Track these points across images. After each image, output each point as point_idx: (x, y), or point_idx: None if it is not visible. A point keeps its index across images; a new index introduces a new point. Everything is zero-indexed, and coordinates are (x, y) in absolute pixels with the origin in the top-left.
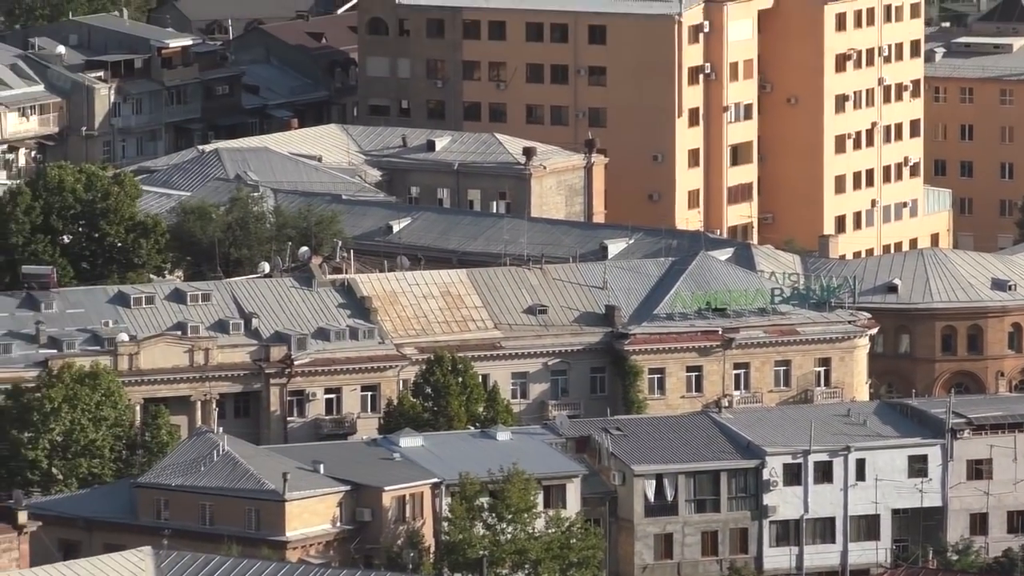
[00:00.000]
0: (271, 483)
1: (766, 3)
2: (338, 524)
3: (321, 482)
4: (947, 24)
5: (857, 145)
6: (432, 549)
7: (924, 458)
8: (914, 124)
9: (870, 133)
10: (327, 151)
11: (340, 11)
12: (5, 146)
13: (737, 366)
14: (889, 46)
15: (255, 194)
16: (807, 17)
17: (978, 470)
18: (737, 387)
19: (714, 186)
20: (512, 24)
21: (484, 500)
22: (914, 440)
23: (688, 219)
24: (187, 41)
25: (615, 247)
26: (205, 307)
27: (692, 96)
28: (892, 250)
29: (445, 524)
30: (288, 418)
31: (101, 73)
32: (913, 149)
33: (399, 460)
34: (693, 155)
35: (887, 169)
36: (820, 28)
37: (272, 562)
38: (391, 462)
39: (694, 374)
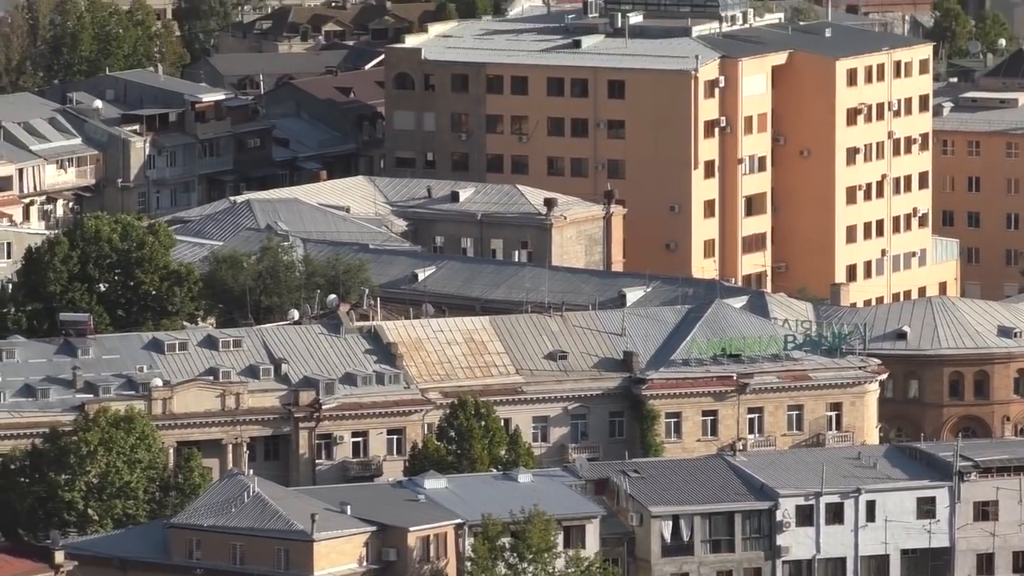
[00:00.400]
0: (300, 524)
1: (779, 59)
2: (364, 564)
3: (348, 523)
4: (955, 79)
5: (868, 196)
6: None
7: (932, 500)
8: (923, 176)
9: (880, 185)
10: (355, 202)
11: (368, 67)
12: (44, 197)
13: (751, 410)
14: (898, 100)
15: (285, 244)
16: (819, 72)
17: (984, 512)
18: (751, 431)
19: (729, 236)
20: (534, 79)
21: (506, 540)
22: (922, 483)
23: (704, 268)
24: (220, 96)
25: (633, 295)
26: (236, 353)
27: (708, 148)
28: (901, 298)
29: (468, 564)
30: (316, 461)
31: (137, 127)
32: (922, 200)
33: (424, 502)
34: (709, 206)
35: (896, 220)
36: (832, 83)
37: None
38: (416, 503)
39: (709, 418)
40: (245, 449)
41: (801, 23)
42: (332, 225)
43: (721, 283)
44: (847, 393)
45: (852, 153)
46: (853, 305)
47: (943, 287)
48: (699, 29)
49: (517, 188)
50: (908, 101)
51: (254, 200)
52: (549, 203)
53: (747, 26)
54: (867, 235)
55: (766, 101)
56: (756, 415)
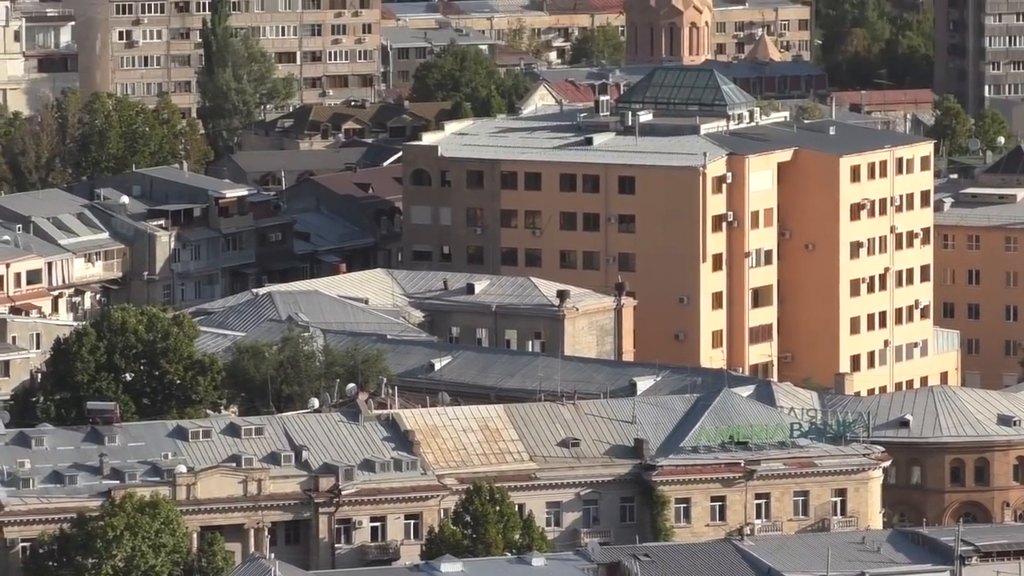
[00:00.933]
0: None
1: (785, 156)
2: None
3: None
4: (955, 176)
5: (871, 289)
6: None
7: None
8: (924, 269)
9: (883, 277)
10: (373, 294)
11: (386, 163)
12: (72, 290)
13: (759, 496)
14: (901, 196)
15: (305, 334)
16: (823, 169)
17: None
18: (759, 516)
19: (736, 327)
20: (547, 175)
21: None
22: (925, 567)
23: (712, 358)
24: (243, 191)
25: (643, 384)
26: (258, 440)
27: (716, 242)
28: (904, 387)
29: None
30: (336, 545)
31: (162, 221)
32: (923, 293)
33: None
34: (717, 298)
35: (899, 311)
36: (836, 179)
37: None
38: None
39: (718, 504)
40: (267, 534)
41: (806, 121)
42: (351, 316)
43: (729, 373)
44: (851, 479)
45: (856, 247)
46: (857, 394)
47: (944, 377)
48: (707, 127)
49: (531, 280)
50: (910, 196)
51: (276, 292)
52: (562, 295)
53: (753, 124)
54: (870, 326)
55: (772, 196)
56: (763, 501)
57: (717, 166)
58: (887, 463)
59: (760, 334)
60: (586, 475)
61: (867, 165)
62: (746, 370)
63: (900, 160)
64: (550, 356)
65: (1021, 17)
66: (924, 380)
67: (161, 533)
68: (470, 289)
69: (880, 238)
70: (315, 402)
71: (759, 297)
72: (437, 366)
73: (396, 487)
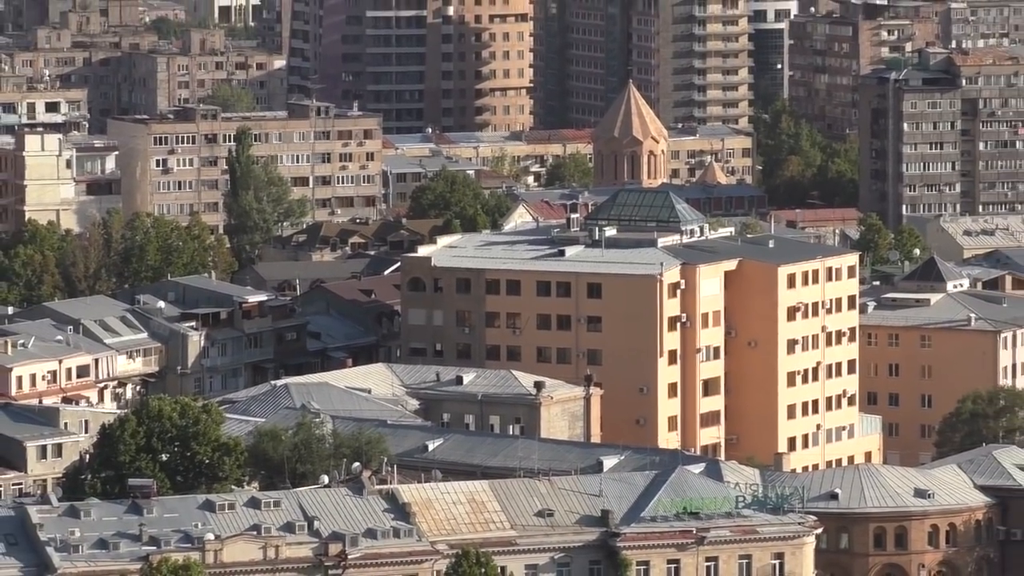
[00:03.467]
0: None
1: (731, 266)
2: None
3: None
4: (877, 283)
5: (805, 380)
6: None
7: None
8: (851, 363)
9: (815, 370)
10: (375, 385)
11: (387, 272)
12: (115, 382)
13: (708, 559)
14: (830, 300)
15: (317, 420)
16: (764, 277)
17: None
18: None
19: (689, 413)
20: (525, 282)
21: None
22: None
23: (668, 440)
24: (263, 297)
25: (609, 462)
26: (276, 512)
27: (671, 340)
28: (834, 465)
29: None
30: None
31: (193, 323)
32: (850, 383)
33: None
34: (672, 387)
35: (829, 399)
36: (775, 286)
37: None
38: None
39: (673, 566)
40: None
41: (749, 236)
42: (356, 404)
43: (683, 453)
44: (789, 545)
45: (792, 344)
46: (793, 471)
47: (868, 456)
48: (663, 241)
49: (512, 373)
50: (838, 300)
51: (291, 384)
52: (538, 386)
53: (704, 238)
54: (804, 412)
55: (720, 300)
56: (712, 563)
57: (672, 274)
58: (819, 530)
59: (710, 419)
60: (559, 541)
61: (801, 273)
62: (698, 450)
63: (830, 269)
64: (528, 439)
65: (933, 147)
66: (851, 459)
67: None
68: (459, 381)
69: (813, 336)
70: (325, 479)
71: (709, 387)
72: (430, 447)
73: (395, 552)
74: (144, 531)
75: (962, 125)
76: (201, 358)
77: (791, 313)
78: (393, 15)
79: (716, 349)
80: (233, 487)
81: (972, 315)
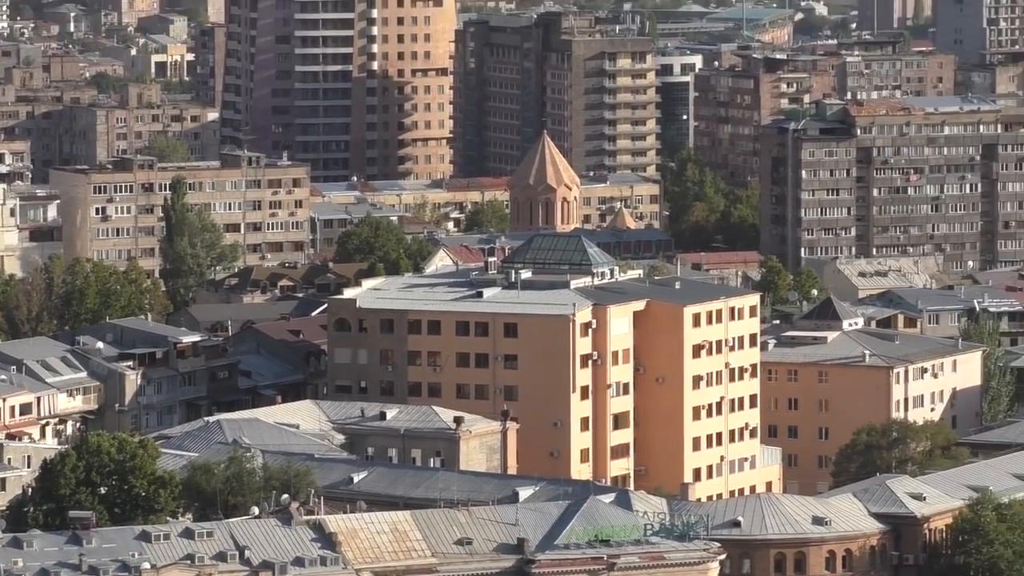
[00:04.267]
0: None
1: (639, 306)
2: None
3: None
4: (777, 321)
5: (709, 414)
6: None
7: None
8: (753, 398)
9: (719, 405)
10: (303, 421)
11: (314, 313)
12: (57, 419)
13: None
14: (733, 338)
15: (248, 454)
16: (671, 317)
17: None
18: None
19: (600, 445)
20: (445, 323)
21: None
22: None
23: (581, 471)
24: (196, 338)
25: (525, 493)
26: (209, 542)
27: (583, 376)
28: (736, 494)
29: None
30: None
31: (131, 363)
32: (752, 417)
33: None
34: (584, 422)
35: (732, 432)
36: (681, 325)
37: None
38: None
39: None
40: None
41: (656, 278)
42: (285, 439)
43: (594, 483)
44: (694, 570)
45: (697, 380)
46: (699, 500)
47: (769, 486)
48: (576, 283)
49: (432, 409)
50: (741, 338)
51: (223, 420)
52: (458, 420)
53: (614, 280)
54: (709, 444)
55: (629, 339)
56: None
57: (584, 314)
58: (723, 556)
59: (620, 451)
60: (478, 568)
61: (706, 313)
62: (608, 481)
63: (733, 309)
64: (448, 471)
65: (830, 193)
66: (752, 488)
67: None
68: (383, 416)
69: (717, 372)
70: (255, 510)
71: (619, 421)
72: (355, 479)
73: None
74: (84, 561)
75: (857, 172)
76: (138, 396)
77: (696, 351)
78: (320, 70)
79: (626, 385)
80: (168, 518)
81: (866, 352)
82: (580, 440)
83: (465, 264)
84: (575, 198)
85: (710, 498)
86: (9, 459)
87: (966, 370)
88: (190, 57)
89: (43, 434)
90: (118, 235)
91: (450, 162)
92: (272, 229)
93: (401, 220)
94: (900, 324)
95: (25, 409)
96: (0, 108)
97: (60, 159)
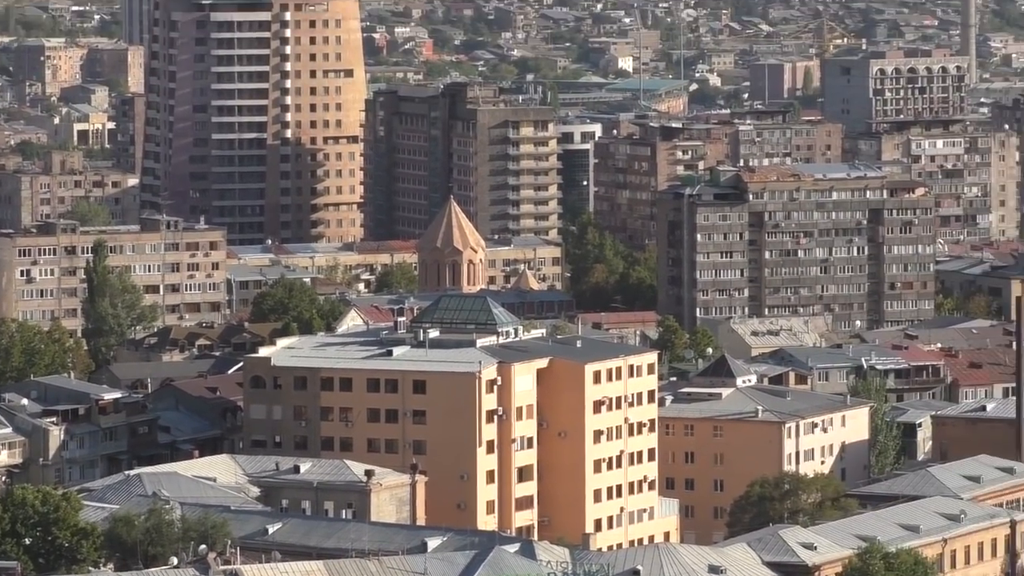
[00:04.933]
0: None
1: (543, 364)
2: None
3: None
4: (674, 378)
5: (610, 467)
6: None
7: None
8: (651, 451)
9: (619, 458)
10: (220, 474)
11: (230, 371)
12: None
13: None
14: (632, 394)
15: (167, 506)
16: (573, 374)
17: None
18: None
19: (505, 497)
20: (357, 380)
21: None
22: None
23: (487, 522)
24: (117, 394)
25: (433, 543)
26: None
27: (489, 431)
28: (636, 544)
29: None
30: None
31: (54, 419)
32: (650, 470)
33: None
34: (490, 475)
35: (632, 484)
36: (582, 382)
37: None
38: None
39: None
40: None
41: (559, 337)
42: (203, 492)
43: (500, 534)
44: None
45: (598, 434)
46: (600, 550)
47: (667, 536)
48: (482, 342)
49: (344, 462)
50: (640, 395)
51: (143, 473)
52: (369, 474)
53: (518, 339)
54: (610, 496)
55: (533, 395)
56: None
57: (490, 372)
58: None
59: (524, 503)
60: None
61: (606, 370)
62: (513, 531)
63: (632, 366)
64: (359, 522)
65: (724, 255)
66: (651, 538)
67: None
68: (296, 470)
69: (616, 427)
70: (174, 560)
71: (523, 474)
72: (270, 531)
73: None
74: None
75: (750, 236)
76: (61, 450)
77: (597, 406)
78: (236, 137)
79: (530, 439)
80: (90, 568)
81: (759, 407)
82: (486, 492)
83: (375, 324)
84: (480, 260)
85: (611, 548)
86: None
87: (854, 425)
88: (111, 125)
89: None
90: (42, 296)
91: (361, 225)
92: (190, 290)
93: (314, 281)
94: (791, 381)
95: None
96: None
97: None
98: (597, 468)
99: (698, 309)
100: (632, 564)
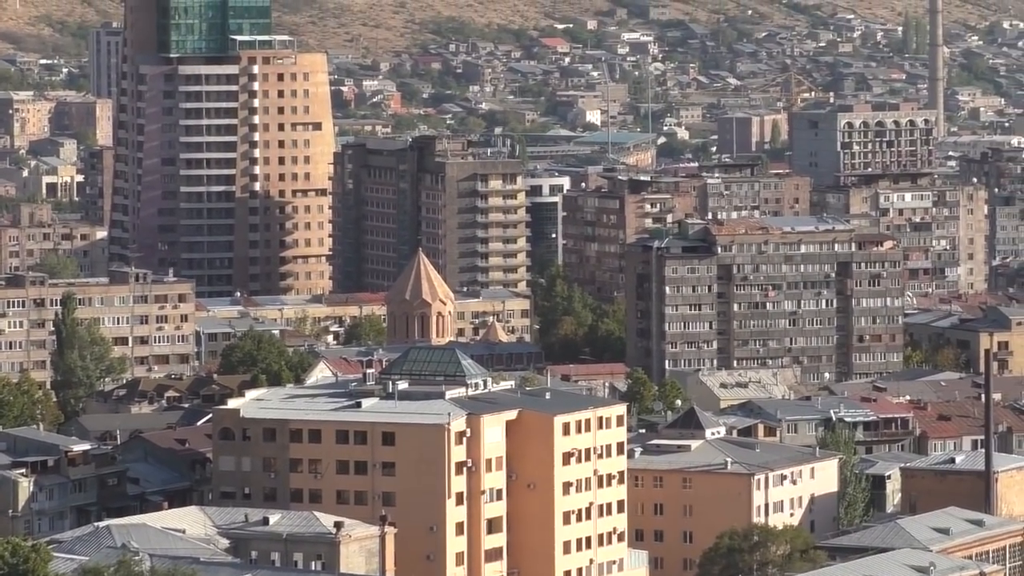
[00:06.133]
0: None
1: (512, 415)
2: None
3: None
4: (643, 430)
5: (579, 519)
6: None
7: None
8: (620, 503)
9: (588, 510)
10: (190, 526)
11: (199, 423)
12: None
13: None
14: (602, 446)
15: (136, 558)
16: (542, 426)
17: None
18: None
19: (475, 549)
20: (326, 431)
21: None
22: None
23: (456, 574)
24: (87, 446)
25: None
26: None
27: (458, 483)
28: None
29: None
30: None
31: (24, 470)
32: (620, 522)
33: None
34: (459, 526)
35: (601, 536)
36: (551, 433)
37: None
38: None
39: None
40: None
41: (528, 389)
42: (172, 543)
43: None
44: None
45: (567, 486)
46: None
47: None
48: (451, 393)
49: (314, 514)
50: (609, 447)
51: (113, 525)
52: (338, 525)
53: (487, 391)
54: (579, 548)
55: (502, 447)
56: None
57: (459, 424)
58: None
59: (493, 555)
60: None
61: (575, 422)
62: None
63: (601, 418)
64: (329, 574)
65: (692, 308)
66: None
67: None
68: (265, 521)
69: (586, 479)
70: None
71: (492, 526)
72: None
73: None
74: None
75: (718, 288)
76: (30, 502)
77: (566, 458)
78: (205, 190)
79: (499, 491)
80: None
81: (728, 459)
82: (455, 544)
83: (344, 375)
84: (449, 312)
85: None
86: None
87: (823, 477)
88: (80, 178)
89: None
90: (11, 348)
91: (329, 278)
92: (159, 342)
93: (283, 333)
94: (760, 433)
95: None
96: None
97: None
98: (567, 520)
99: (667, 361)
100: None
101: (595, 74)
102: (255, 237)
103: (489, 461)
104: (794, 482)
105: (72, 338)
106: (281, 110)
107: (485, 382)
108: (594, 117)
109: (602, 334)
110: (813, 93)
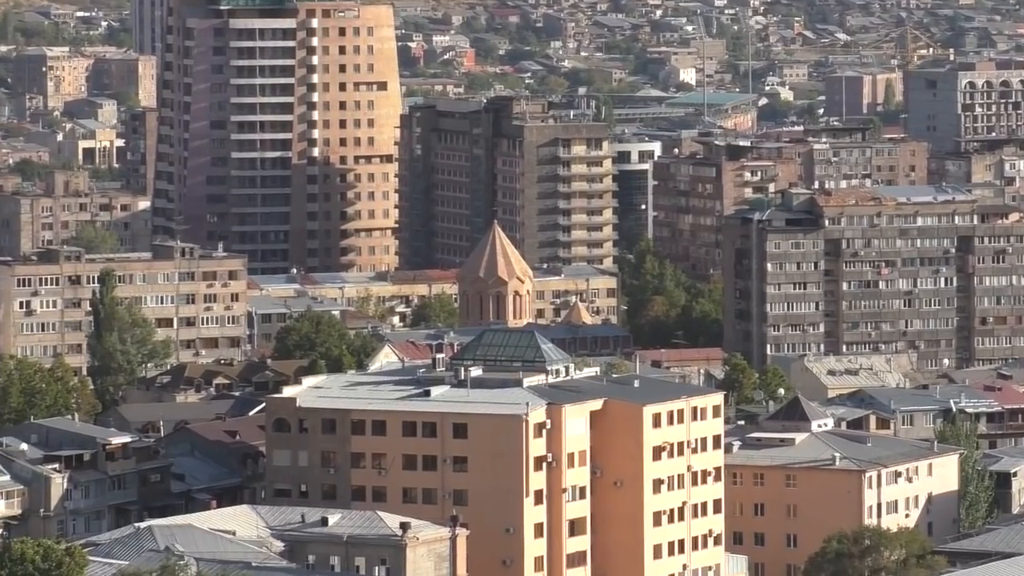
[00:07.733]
0: None
1: (596, 405)
2: None
3: None
4: (742, 422)
5: (671, 520)
6: None
7: None
8: (717, 503)
9: (681, 510)
10: (240, 527)
11: (251, 413)
12: None
13: None
14: (696, 439)
15: (181, 562)
16: (629, 416)
17: None
18: None
19: (555, 553)
20: (391, 423)
21: None
22: None
23: None
24: (127, 439)
25: None
26: None
27: (537, 480)
28: None
29: None
30: None
31: (57, 465)
32: (716, 523)
33: None
34: (538, 528)
35: (695, 539)
36: (640, 425)
37: None
38: None
39: None
40: None
41: (614, 376)
42: (221, 546)
43: None
44: None
45: (658, 483)
46: None
47: None
48: (529, 381)
49: (377, 514)
50: (704, 440)
51: (155, 526)
52: (404, 526)
53: (569, 378)
54: (671, 552)
55: (586, 440)
56: None
57: (538, 414)
58: None
59: (576, 559)
60: None
61: (667, 413)
62: None
63: (695, 409)
64: None
65: (797, 287)
66: None
67: None
68: (324, 522)
69: (678, 476)
70: None
71: (575, 527)
72: None
73: None
74: None
75: (825, 265)
76: (64, 500)
77: (657, 453)
78: (258, 156)
79: (582, 489)
80: None
81: (837, 454)
82: (534, 548)
83: (412, 361)
84: (527, 292)
85: None
86: None
87: (942, 474)
88: (120, 143)
89: None
90: (43, 330)
91: (395, 253)
92: (207, 324)
93: (343, 315)
94: (872, 425)
95: None
96: None
97: None
98: (657, 521)
99: (768, 346)
100: None
101: (689, 28)
102: (313, 208)
103: (571, 456)
104: (910, 480)
105: (111, 319)
106: (343, 68)
107: (567, 368)
108: (688, 76)
109: (696, 316)
110: (931, 50)
